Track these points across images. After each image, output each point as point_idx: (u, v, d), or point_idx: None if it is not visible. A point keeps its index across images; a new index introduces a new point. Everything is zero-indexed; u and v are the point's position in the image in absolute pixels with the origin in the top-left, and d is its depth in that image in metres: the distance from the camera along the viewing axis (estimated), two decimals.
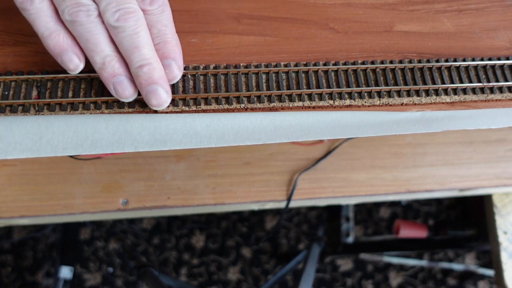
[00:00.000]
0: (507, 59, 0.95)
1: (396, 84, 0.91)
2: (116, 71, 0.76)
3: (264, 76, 0.88)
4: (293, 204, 1.17)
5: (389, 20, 1.00)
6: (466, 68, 0.94)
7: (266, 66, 0.90)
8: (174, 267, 2.03)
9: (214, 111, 0.84)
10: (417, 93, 0.90)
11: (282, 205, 1.18)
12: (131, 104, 0.83)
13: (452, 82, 0.92)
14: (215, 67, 0.89)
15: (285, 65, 0.90)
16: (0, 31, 0.90)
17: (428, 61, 0.93)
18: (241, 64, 0.90)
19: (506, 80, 0.93)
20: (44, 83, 0.83)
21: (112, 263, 2.01)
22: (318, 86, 0.89)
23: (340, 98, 0.88)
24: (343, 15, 0.99)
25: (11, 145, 0.75)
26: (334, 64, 0.90)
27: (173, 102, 0.84)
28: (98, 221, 2.08)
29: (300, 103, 0.86)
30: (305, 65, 0.90)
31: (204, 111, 0.84)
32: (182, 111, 0.84)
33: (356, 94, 0.89)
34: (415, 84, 0.91)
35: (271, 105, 0.86)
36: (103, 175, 1.15)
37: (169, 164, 1.18)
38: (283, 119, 0.83)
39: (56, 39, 0.76)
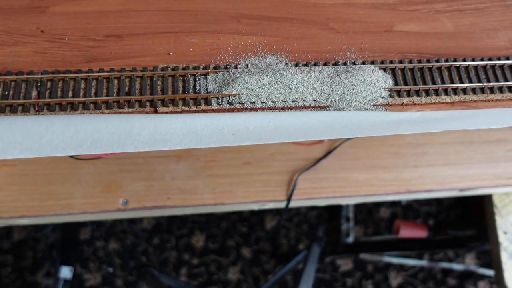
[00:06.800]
0: (507, 59, 0.95)
1: (396, 84, 0.91)
2: None
3: None
4: (293, 204, 1.17)
5: (389, 20, 1.00)
6: (466, 68, 0.94)
7: None
8: (174, 267, 2.03)
9: (214, 111, 0.84)
10: (417, 93, 0.91)
11: (282, 205, 1.18)
12: (131, 104, 0.83)
13: (452, 82, 0.92)
14: (215, 67, 0.89)
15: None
16: (0, 31, 0.90)
17: (428, 61, 0.93)
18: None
19: (506, 80, 0.93)
20: (44, 83, 0.83)
21: (112, 263, 2.01)
22: None
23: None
24: (343, 15, 0.99)
25: (11, 145, 0.75)
26: (334, 64, 0.91)
27: (173, 102, 0.84)
28: (98, 221, 2.07)
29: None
30: (305, 65, 0.90)
31: (204, 111, 0.84)
32: (182, 111, 0.84)
33: None
34: (415, 84, 0.91)
35: (272, 104, 0.86)
36: (103, 175, 1.15)
37: (169, 164, 1.18)
38: (283, 119, 0.83)
39: None
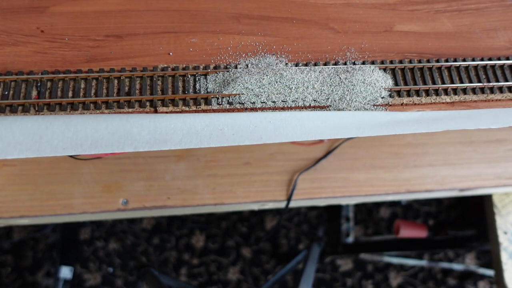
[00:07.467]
0: (507, 59, 0.95)
1: (396, 84, 0.91)
2: None
3: None
4: (293, 204, 1.17)
5: (389, 20, 1.00)
6: (466, 68, 0.94)
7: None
8: (174, 267, 2.03)
9: (214, 111, 0.84)
10: (417, 93, 0.91)
11: (282, 205, 1.18)
12: (131, 104, 0.83)
13: (452, 82, 0.92)
14: (215, 67, 0.89)
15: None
16: (0, 31, 0.90)
17: (428, 61, 0.93)
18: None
19: (506, 80, 0.93)
20: (44, 83, 0.83)
21: (112, 263, 2.01)
22: None
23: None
24: (343, 15, 0.99)
25: (11, 145, 0.75)
26: (334, 64, 0.91)
27: (173, 102, 0.84)
28: (98, 221, 2.07)
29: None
30: (305, 65, 0.90)
31: (204, 111, 0.84)
32: (182, 111, 0.84)
33: None
34: (415, 84, 0.91)
35: (272, 104, 0.86)
36: (103, 175, 1.15)
37: (169, 164, 1.18)
38: (283, 119, 0.83)
39: None
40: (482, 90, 0.92)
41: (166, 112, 0.83)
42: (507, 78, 0.93)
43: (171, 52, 0.90)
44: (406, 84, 0.91)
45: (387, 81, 0.89)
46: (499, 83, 0.92)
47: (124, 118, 0.79)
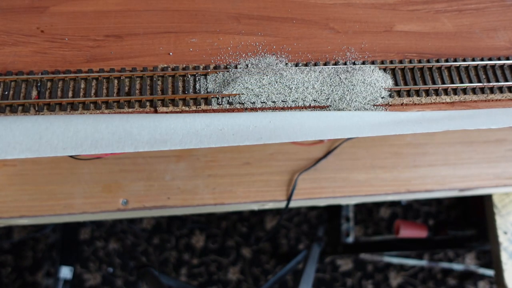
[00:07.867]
0: (507, 59, 0.95)
1: (396, 84, 0.91)
2: None
3: None
4: (293, 204, 1.17)
5: (389, 20, 1.00)
6: (466, 68, 0.94)
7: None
8: (174, 267, 2.03)
9: (214, 111, 0.84)
10: (417, 93, 0.91)
11: (282, 205, 1.18)
12: (131, 104, 0.83)
13: (452, 82, 0.92)
14: (215, 67, 0.89)
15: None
16: (0, 31, 0.90)
17: (428, 61, 0.93)
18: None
19: (506, 80, 0.93)
20: (44, 83, 0.83)
21: (112, 263, 2.01)
22: None
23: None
24: (343, 15, 0.99)
25: (11, 145, 0.75)
26: (334, 64, 0.91)
27: (173, 102, 0.84)
28: (98, 221, 2.07)
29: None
30: (305, 65, 0.90)
31: (204, 111, 0.85)
32: (182, 111, 0.84)
33: None
34: (415, 84, 0.91)
35: (272, 105, 0.86)
36: (103, 175, 1.15)
37: (169, 164, 1.18)
38: (283, 119, 0.83)
39: None
40: (482, 90, 0.92)
41: (166, 112, 0.83)
42: (507, 78, 0.93)
43: (171, 52, 0.90)
44: (406, 84, 0.91)
45: (387, 81, 0.89)
46: (499, 83, 0.92)
47: (124, 118, 0.79)
